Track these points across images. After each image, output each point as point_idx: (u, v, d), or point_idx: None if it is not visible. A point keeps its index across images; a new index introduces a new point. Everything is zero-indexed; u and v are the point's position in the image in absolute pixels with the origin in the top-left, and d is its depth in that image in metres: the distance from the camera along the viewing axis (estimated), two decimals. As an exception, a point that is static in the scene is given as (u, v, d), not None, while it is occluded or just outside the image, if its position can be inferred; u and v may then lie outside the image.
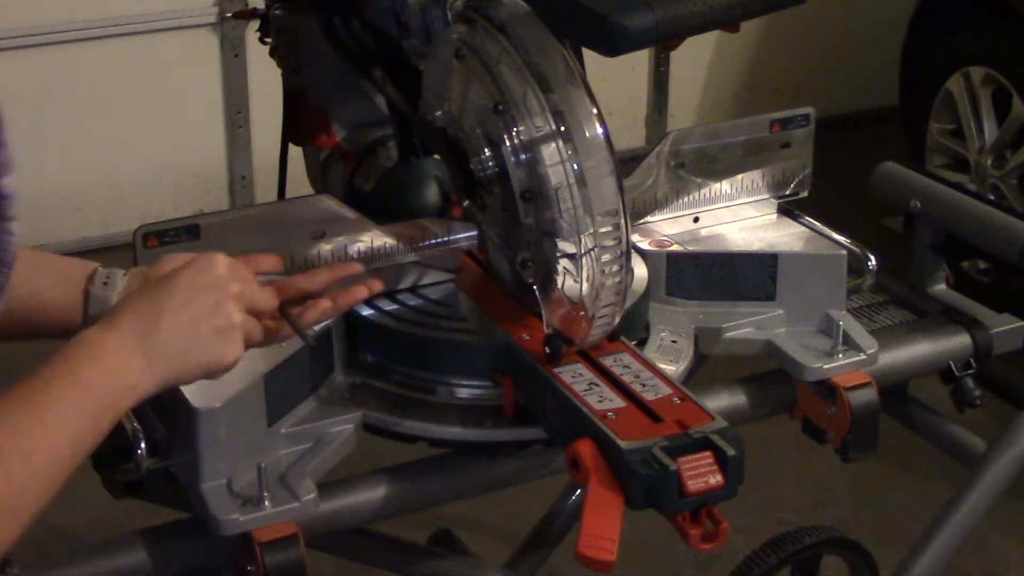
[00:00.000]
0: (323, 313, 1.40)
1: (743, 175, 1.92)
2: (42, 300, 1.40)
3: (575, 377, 1.51)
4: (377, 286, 1.46)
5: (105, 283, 1.41)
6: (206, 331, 1.27)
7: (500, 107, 1.49)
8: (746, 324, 1.73)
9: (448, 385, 1.60)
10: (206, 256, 1.32)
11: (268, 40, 2.07)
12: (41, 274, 1.40)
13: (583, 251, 1.47)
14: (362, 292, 1.43)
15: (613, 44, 1.40)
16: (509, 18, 1.50)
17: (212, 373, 1.30)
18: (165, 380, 1.25)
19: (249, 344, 1.33)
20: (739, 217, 1.93)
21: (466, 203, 1.65)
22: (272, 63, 2.06)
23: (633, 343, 1.61)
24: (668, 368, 1.61)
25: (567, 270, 1.49)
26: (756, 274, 1.75)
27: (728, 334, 1.73)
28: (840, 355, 1.66)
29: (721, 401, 1.69)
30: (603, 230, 1.47)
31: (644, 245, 1.80)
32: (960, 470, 1.93)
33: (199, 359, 1.27)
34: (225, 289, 1.29)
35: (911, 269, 1.99)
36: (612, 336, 1.56)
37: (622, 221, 1.47)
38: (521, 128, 1.48)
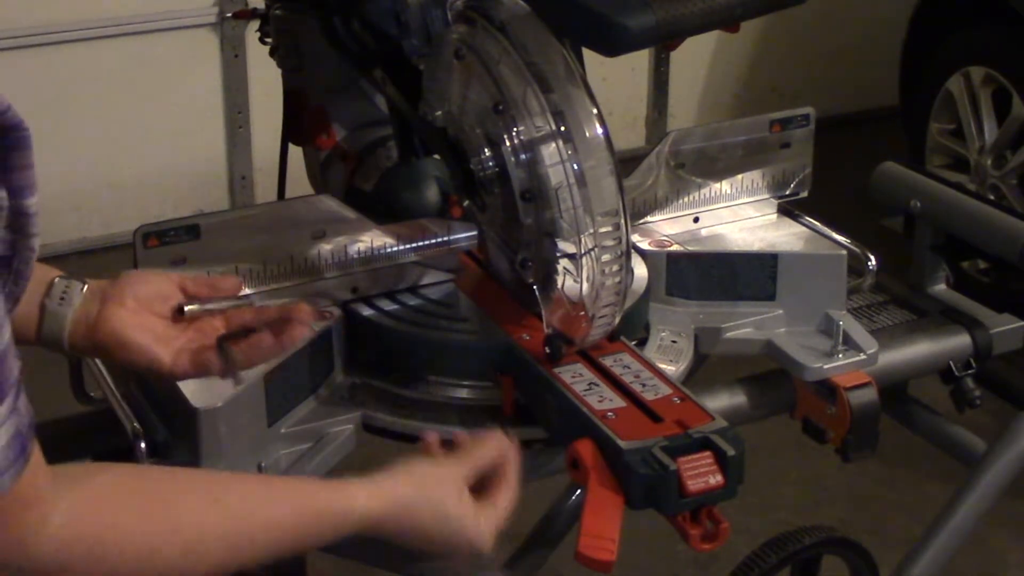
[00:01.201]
0: (265, 352, 1.38)
1: (743, 175, 1.92)
2: None
3: (575, 377, 1.51)
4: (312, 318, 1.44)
5: (62, 298, 1.36)
6: (438, 541, 1.32)
7: (500, 107, 1.49)
8: (746, 324, 1.73)
9: (448, 385, 1.60)
10: (498, 485, 1.35)
11: (268, 40, 2.07)
12: None
13: (583, 251, 1.47)
14: (304, 331, 1.40)
15: (613, 44, 1.40)
16: (509, 18, 1.50)
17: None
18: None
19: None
20: (739, 217, 1.93)
21: (466, 203, 1.65)
22: (272, 63, 2.06)
23: (633, 343, 1.61)
24: (668, 368, 1.61)
25: (567, 270, 1.49)
26: (756, 274, 1.75)
27: (728, 334, 1.73)
28: (840, 355, 1.66)
29: (721, 401, 1.69)
30: (603, 230, 1.47)
31: (644, 245, 1.80)
32: (960, 470, 1.93)
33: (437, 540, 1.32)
34: (475, 530, 1.33)
35: (911, 269, 1.99)
36: (612, 336, 1.57)
37: (622, 221, 1.47)
38: (521, 128, 1.48)
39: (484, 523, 1.32)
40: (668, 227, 1.88)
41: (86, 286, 1.37)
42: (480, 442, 1.38)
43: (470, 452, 1.37)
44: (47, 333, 1.36)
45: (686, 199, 1.90)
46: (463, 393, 1.60)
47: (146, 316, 1.36)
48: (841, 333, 1.67)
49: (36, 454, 1.03)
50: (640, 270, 1.72)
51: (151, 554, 1.11)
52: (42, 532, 1.04)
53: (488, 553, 1.33)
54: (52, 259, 2.36)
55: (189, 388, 1.47)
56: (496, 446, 1.37)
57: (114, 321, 1.35)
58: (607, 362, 1.54)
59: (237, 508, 1.18)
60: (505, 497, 1.35)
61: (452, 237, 1.70)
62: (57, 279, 1.38)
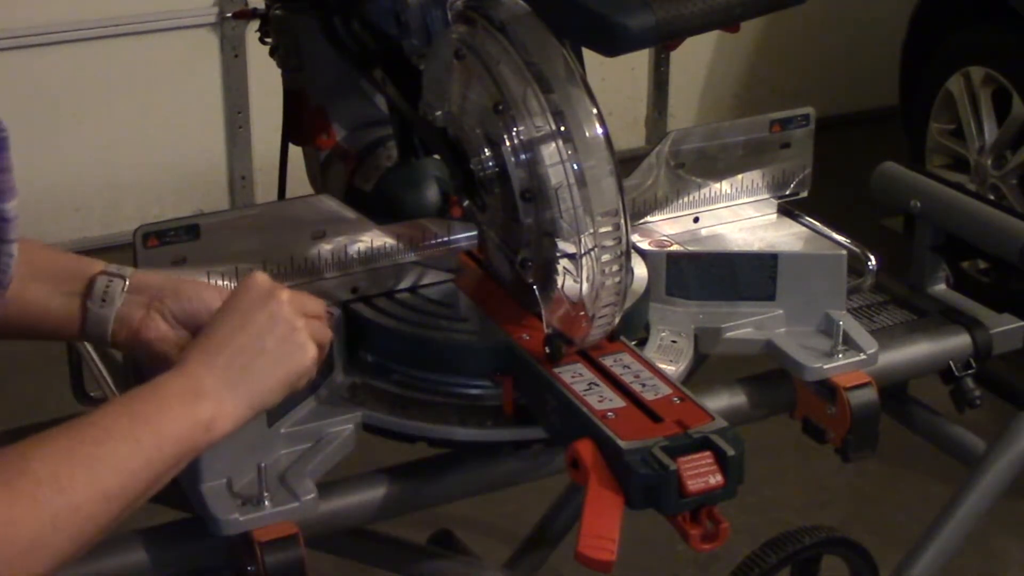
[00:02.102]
0: None
1: (743, 175, 1.92)
2: (41, 307, 1.38)
3: (575, 377, 1.51)
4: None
5: (103, 300, 1.38)
6: (272, 345, 1.27)
7: (500, 107, 1.49)
8: (746, 324, 1.73)
9: (448, 385, 1.60)
10: (244, 280, 1.31)
11: (268, 40, 2.07)
12: (38, 282, 1.38)
13: (583, 251, 1.47)
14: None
15: (613, 44, 1.40)
16: (509, 18, 1.50)
17: (297, 380, 1.29)
18: (250, 406, 1.25)
19: (319, 341, 1.32)
20: (739, 217, 1.93)
21: (466, 203, 1.65)
22: (272, 63, 2.06)
23: (633, 343, 1.61)
24: (668, 368, 1.61)
25: (567, 270, 1.49)
26: (756, 274, 1.75)
27: (728, 334, 1.73)
28: (840, 355, 1.66)
29: (721, 401, 1.69)
30: (603, 230, 1.47)
31: (644, 245, 1.80)
32: (960, 470, 1.93)
33: (276, 373, 1.27)
34: (276, 298, 1.29)
35: (911, 269, 1.99)
36: (612, 336, 1.56)
37: (622, 221, 1.47)
38: (521, 128, 1.48)
39: (299, 344, 1.28)
40: (668, 227, 1.88)
41: (127, 282, 1.38)
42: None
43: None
44: (91, 332, 1.38)
45: (686, 199, 1.90)
46: (463, 393, 1.60)
47: (187, 333, 1.38)
48: (841, 333, 1.67)
49: None
50: (640, 270, 1.72)
51: (42, 541, 1.09)
52: None
53: (302, 376, 1.30)
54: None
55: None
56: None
57: (153, 334, 1.38)
58: (607, 362, 1.54)
59: (108, 465, 1.14)
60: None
61: (452, 237, 1.70)
62: (99, 277, 1.39)
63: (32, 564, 1.08)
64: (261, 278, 1.31)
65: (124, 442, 1.15)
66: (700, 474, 1.36)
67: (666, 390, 1.49)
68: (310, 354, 1.30)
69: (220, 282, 1.57)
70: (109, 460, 1.14)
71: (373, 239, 1.67)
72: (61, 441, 1.13)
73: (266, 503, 1.40)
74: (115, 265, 1.42)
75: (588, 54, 1.53)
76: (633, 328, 1.66)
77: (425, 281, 1.70)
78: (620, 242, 1.48)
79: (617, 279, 1.49)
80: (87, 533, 1.12)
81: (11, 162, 1.03)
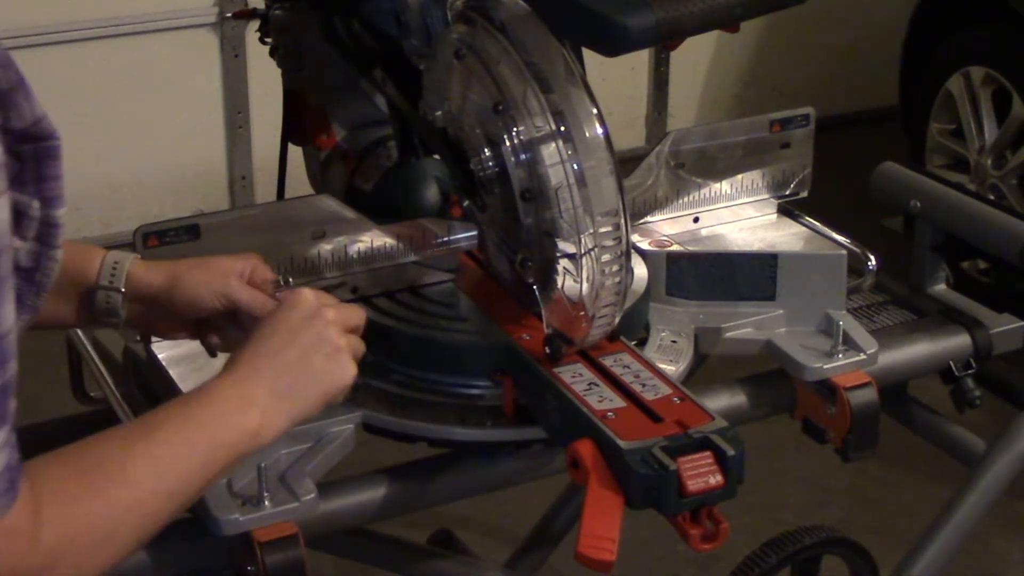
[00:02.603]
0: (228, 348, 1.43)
1: (743, 175, 1.92)
2: (47, 316, 1.39)
3: (575, 377, 1.51)
4: None
5: (107, 314, 1.42)
6: (317, 362, 1.30)
7: (500, 107, 1.49)
8: (746, 324, 1.73)
9: (448, 385, 1.60)
10: (291, 295, 1.35)
11: (268, 40, 2.07)
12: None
13: (583, 251, 1.47)
14: None
15: (613, 44, 1.40)
16: (509, 18, 1.50)
17: (335, 397, 1.34)
18: (292, 419, 1.29)
19: (357, 356, 1.36)
20: (739, 217, 1.93)
21: (466, 203, 1.65)
22: (272, 63, 2.06)
23: (633, 343, 1.61)
24: (668, 368, 1.61)
25: (567, 270, 1.49)
26: (756, 274, 1.75)
27: (728, 334, 1.73)
28: (840, 355, 1.66)
29: (721, 401, 1.69)
30: (603, 230, 1.47)
31: (644, 245, 1.81)
32: (960, 470, 1.93)
33: (318, 390, 1.31)
34: (321, 318, 1.32)
35: (911, 269, 1.99)
36: (612, 336, 1.56)
37: (622, 221, 1.47)
38: (521, 128, 1.48)
39: (341, 363, 1.32)
40: (668, 227, 1.88)
41: (123, 292, 1.41)
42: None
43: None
44: (100, 323, 1.43)
45: (686, 199, 1.90)
46: (463, 393, 1.60)
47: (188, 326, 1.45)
48: (841, 333, 1.67)
49: (24, 486, 1.04)
50: (640, 270, 1.72)
51: (113, 534, 1.13)
52: (30, 557, 1.06)
53: (340, 393, 1.33)
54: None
55: (188, 388, 1.47)
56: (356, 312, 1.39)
57: (157, 332, 1.47)
58: (607, 362, 1.54)
59: (168, 465, 1.18)
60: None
61: (452, 237, 1.70)
62: (98, 292, 1.42)
63: (103, 556, 1.12)
64: (308, 296, 1.34)
65: (183, 445, 1.19)
66: (700, 474, 1.36)
67: (666, 390, 1.49)
68: (350, 372, 1.34)
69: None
70: (169, 460, 1.18)
71: (373, 239, 1.67)
72: (126, 440, 1.17)
73: (266, 503, 1.40)
74: (114, 252, 1.43)
75: (588, 54, 1.53)
76: (633, 328, 1.66)
77: (425, 281, 1.70)
78: (620, 242, 1.47)
79: (617, 279, 1.49)
80: (148, 529, 1.17)
81: (63, 170, 1.04)
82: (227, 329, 1.44)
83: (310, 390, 1.30)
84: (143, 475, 1.15)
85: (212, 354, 1.46)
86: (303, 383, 1.30)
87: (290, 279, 1.47)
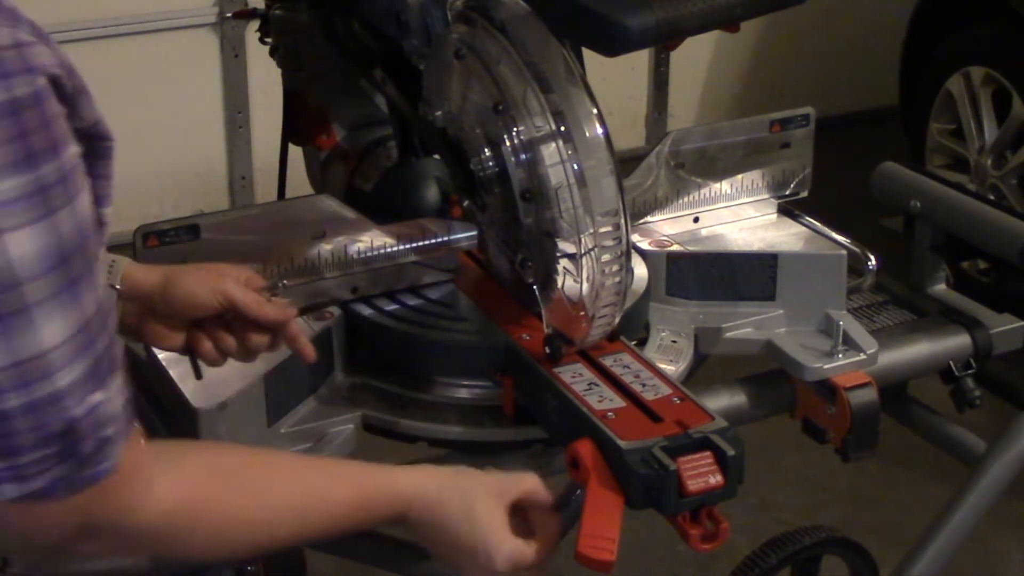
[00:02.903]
0: (231, 354, 1.44)
1: (743, 175, 1.92)
2: None
3: (575, 377, 1.51)
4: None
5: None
6: (479, 537, 1.31)
7: (500, 107, 1.49)
8: (746, 324, 1.73)
9: (448, 385, 1.60)
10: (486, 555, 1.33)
11: (268, 40, 2.07)
12: None
13: (583, 251, 1.47)
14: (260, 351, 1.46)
15: (613, 44, 1.40)
16: (509, 18, 1.50)
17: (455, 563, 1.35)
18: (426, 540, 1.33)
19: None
20: (739, 217, 1.93)
21: (466, 203, 1.65)
22: (272, 63, 2.06)
23: (633, 343, 1.61)
24: (668, 368, 1.61)
25: (567, 270, 1.49)
26: (756, 274, 1.75)
27: (728, 334, 1.73)
28: (840, 355, 1.66)
29: (721, 401, 1.69)
30: (603, 230, 1.47)
31: (644, 245, 1.81)
32: (960, 470, 1.93)
33: (456, 547, 1.32)
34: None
35: (911, 269, 1.99)
36: (612, 336, 1.56)
37: (622, 221, 1.47)
38: (521, 128, 1.48)
39: (507, 546, 1.31)
40: (668, 227, 1.88)
41: (117, 289, 1.43)
42: (533, 481, 1.38)
43: (521, 479, 1.37)
44: None
45: (686, 199, 1.90)
46: (463, 393, 1.60)
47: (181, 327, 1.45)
48: (841, 333, 1.67)
49: (136, 427, 1.09)
50: (640, 270, 1.72)
51: (243, 522, 1.19)
52: (147, 501, 1.10)
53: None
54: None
55: (189, 388, 1.47)
56: (546, 497, 1.38)
57: (149, 337, 1.46)
58: (607, 362, 1.54)
59: (309, 484, 1.26)
60: (537, 545, 1.35)
61: (452, 237, 1.70)
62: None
63: (210, 548, 1.19)
64: (533, 547, 1.35)
65: (337, 508, 1.27)
66: (700, 474, 1.36)
67: (666, 390, 1.49)
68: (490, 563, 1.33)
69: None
70: (316, 516, 1.26)
71: (373, 239, 1.67)
72: (294, 464, 1.30)
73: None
74: (107, 256, 1.43)
75: (588, 54, 1.53)
76: (633, 328, 1.66)
77: (425, 281, 1.70)
78: (620, 242, 1.47)
79: (617, 279, 1.49)
80: (257, 547, 1.26)
81: (113, 171, 1.10)
82: (220, 335, 1.43)
83: (445, 551, 1.32)
84: (279, 482, 1.22)
85: (198, 375, 1.45)
86: (445, 545, 1.32)
87: (283, 282, 1.48)
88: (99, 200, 1.07)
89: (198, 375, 1.44)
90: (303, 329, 1.56)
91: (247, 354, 1.44)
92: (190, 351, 1.43)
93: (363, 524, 1.30)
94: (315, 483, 1.26)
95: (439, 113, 1.61)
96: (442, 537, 1.31)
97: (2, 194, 0.94)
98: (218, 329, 1.43)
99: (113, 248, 1.44)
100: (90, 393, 1.01)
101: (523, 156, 1.49)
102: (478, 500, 1.31)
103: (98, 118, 1.05)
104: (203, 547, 1.18)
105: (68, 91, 0.99)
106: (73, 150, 1.00)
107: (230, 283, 1.42)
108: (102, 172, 1.08)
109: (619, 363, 1.54)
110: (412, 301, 1.68)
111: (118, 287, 1.41)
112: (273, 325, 1.43)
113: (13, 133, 0.94)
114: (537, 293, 1.55)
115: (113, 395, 1.04)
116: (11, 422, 0.98)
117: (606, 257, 1.47)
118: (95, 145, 1.06)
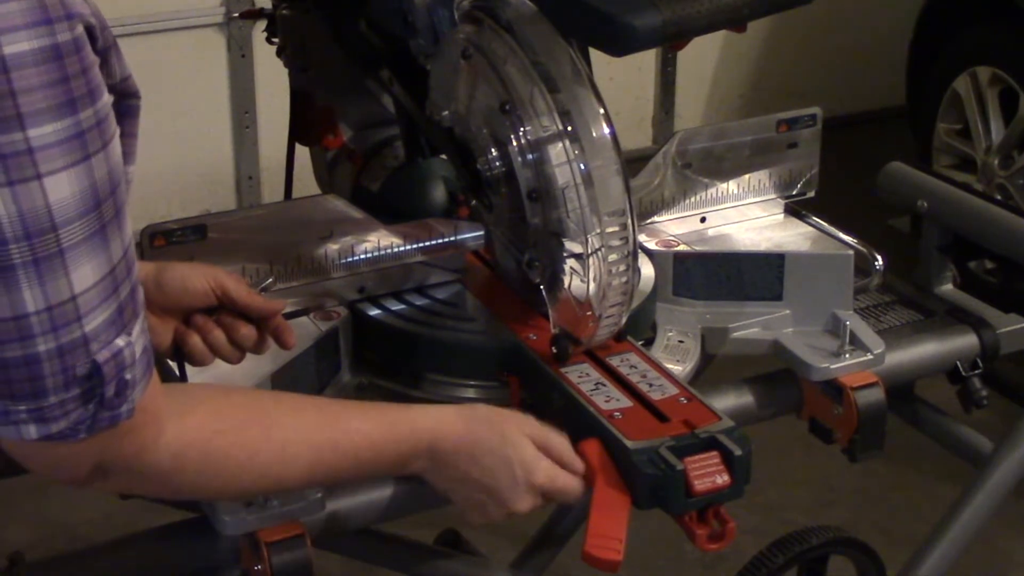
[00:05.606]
0: (221, 353, 1.44)
1: (750, 175, 1.92)
2: None
3: (582, 377, 1.51)
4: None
5: None
6: (503, 479, 1.33)
7: (507, 107, 1.49)
8: (753, 324, 1.73)
9: (455, 385, 1.60)
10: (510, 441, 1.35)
11: (275, 40, 2.07)
12: None
13: (590, 251, 1.47)
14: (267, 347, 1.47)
15: (620, 44, 1.40)
16: (516, 18, 1.50)
17: (481, 512, 1.36)
18: (440, 484, 1.35)
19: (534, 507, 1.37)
20: (746, 217, 1.93)
21: (473, 203, 1.65)
22: (279, 63, 2.06)
23: (640, 343, 1.61)
24: (675, 368, 1.61)
25: (574, 270, 1.49)
26: (763, 274, 1.75)
27: (735, 334, 1.73)
28: (847, 355, 1.66)
29: (728, 401, 1.69)
30: (610, 230, 1.47)
31: (651, 245, 1.81)
32: (967, 470, 1.93)
33: (478, 493, 1.34)
34: (538, 463, 1.35)
35: (918, 269, 1.98)
36: (619, 336, 1.56)
37: (629, 221, 1.47)
38: (528, 128, 1.48)
39: (545, 463, 1.34)
40: (675, 227, 1.88)
41: None
42: (566, 442, 1.39)
43: (550, 429, 1.39)
44: None
45: (693, 199, 1.90)
46: (470, 393, 1.60)
47: (173, 319, 1.44)
48: (848, 333, 1.67)
49: (154, 371, 1.10)
50: (647, 270, 1.72)
51: (251, 457, 1.20)
52: (159, 441, 1.12)
53: (523, 507, 1.34)
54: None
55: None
56: (574, 459, 1.39)
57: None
58: (614, 362, 1.54)
59: (319, 417, 1.27)
60: (564, 476, 1.36)
61: (459, 237, 1.70)
62: None
63: (222, 487, 1.22)
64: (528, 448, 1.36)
65: (354, 442, 1.27)
66: (707, 474, 1.36)
67: (673, 390, 1.49)
68: (516, 508, 1.35)
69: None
70: (332, 452, 1.26)
71: (380, 239, 1.67)
72: (310, 409, 1.28)
73: (273, 502, 1.40)
74: None
75: (595, 54, 1.53)
76: (640, 328, 1.66)
77: (432, 281, 1.70)
78: (627, 242, 1.47)
79: (624, 279, 1.49)
80: (274, 485, 1.29)
81: (138, 129, 1.12)
82: (208, 328, 1.43)
83: (470, 487, 1.34)
84: (288, 417, 1.23)
85: (182, 374, 1.44)
86: (475, 478, 1.33)
87: (269, 279, 1.49)
88: (127, 157, 1.09)
89: (183, 376, 1.43)
90: (309, 328, 1.56)
91: (234, 351, 1.43)
92: (177, 351, 1.42)
93: (381, 465, 1.31)
94: (329, 416, 1.27)
95: (446, 113, 1.61)
96: (471, 470, 1.32)
97: (43, 137, 0.95)
98: (208, 324, 1.43)
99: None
100: (114, 337, 1.02)
101: (530, 156, 1.49)
102: (509, 426, 1.34)
103: (127, 74, 1.07)
104: (213, 486, 1.20)
105: (99, 44, 1.00)
106: (107, 98, 1.01)
107: (222, 273, 1.44)
108: (128, 130, 1.09)
109: (626, 363, 1.54)
110: (419, 301, 1.68)
111: None
112: (262, 314, 1.43)
113: (55, 78, 0.95)
114: (544, 293, 1.55)
115: (135, 339, 1.05)
116: (39, 366, 0.99)
117: (613, 257, 1.47)
118: (122, 103, 1.08)
